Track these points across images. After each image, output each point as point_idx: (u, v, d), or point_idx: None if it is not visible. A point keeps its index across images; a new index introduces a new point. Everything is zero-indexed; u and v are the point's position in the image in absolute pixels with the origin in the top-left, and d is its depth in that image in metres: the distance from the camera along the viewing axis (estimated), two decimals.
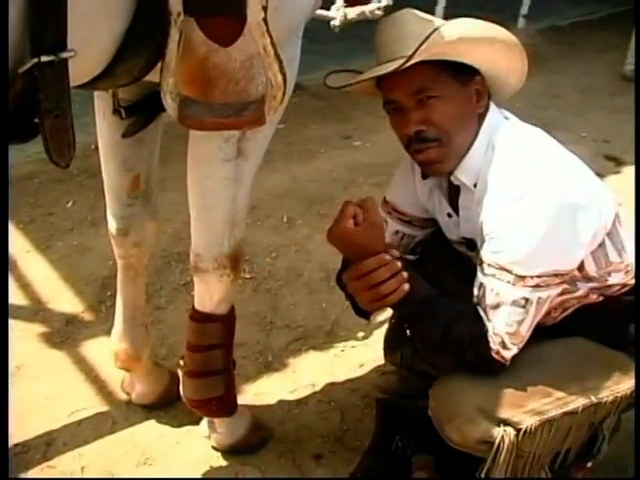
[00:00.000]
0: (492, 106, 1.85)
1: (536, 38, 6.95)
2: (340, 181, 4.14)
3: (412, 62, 1.66)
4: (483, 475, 1.82)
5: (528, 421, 1.79)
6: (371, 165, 4.13)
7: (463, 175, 1.83)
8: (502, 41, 1.77)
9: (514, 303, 1.72)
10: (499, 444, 1.77)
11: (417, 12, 1.81)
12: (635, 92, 3.94)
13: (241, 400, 2.38)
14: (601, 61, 6.41)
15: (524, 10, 7.02)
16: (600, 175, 4.15)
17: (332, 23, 3.41)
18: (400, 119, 1.81)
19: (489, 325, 1.76)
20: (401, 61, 1.67)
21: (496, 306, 1.74)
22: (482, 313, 1.77)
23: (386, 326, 2.53)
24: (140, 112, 1.96)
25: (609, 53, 6.52)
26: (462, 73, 1.78)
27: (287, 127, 4.26)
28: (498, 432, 1.77)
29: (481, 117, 1.82)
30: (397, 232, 2.12)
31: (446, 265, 2.10)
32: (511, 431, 1.78)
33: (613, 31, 6.91)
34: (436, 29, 1.67)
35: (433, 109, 1.76)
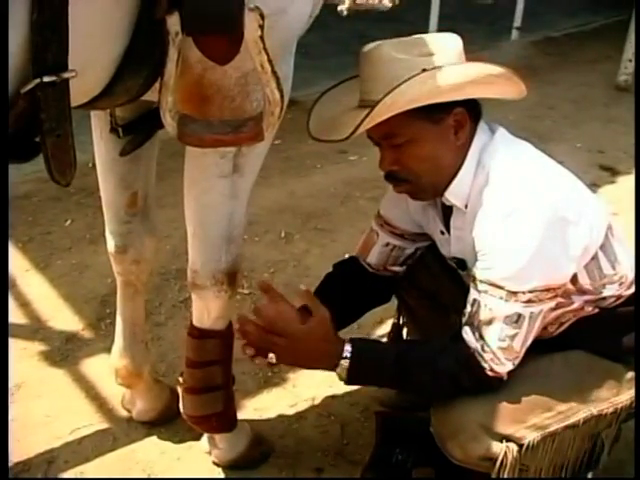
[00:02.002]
0: (480, 126, 1.82)
1: (529, 50, 6.99)
2: (337, 196, 4.16)
3: (363, 129, 1.67)
4: None
5: (530, 436, 1.79)
6: (367, 179, 4.14)
7: (453, 197, 1.83)
8: (475, 82, 1.71)
9: (507, 319, 1.72)
10: (502, 460, 1.77)
11: (396, 45, 1.74)
12: (635, 94, 3.96)
13: (241, 415, 2.38)
14: (595, 72, 6.43)
15: (517, 22, 7.08)
16: (595, 185, 4.23)
17: (339, 8, 3.40)
18: (380, 154, 1.83)
19: (476, 344, 1.76)
20: (349, 130, 1.67)
21: (489, 322, 1.74)
22: (474, 330, 1.76)
23: (384, 340, 2.54)
24: (137, 130, 1.97)
25: (602, 64, 6.55)
26: (437, 111, 1.72)
27: (283, 143, 4.28)
28: (501, 448, 1.77)
29: (466, 143, 1.79)
30: (387, 244, 2.13)
31: (441, 276, 2.11)
32: (513, 447, 1.78)
33: (606, 42, 6.93)
34: (390, 91, 1.64)
35: (403, 152, 1.77)
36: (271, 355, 1.84)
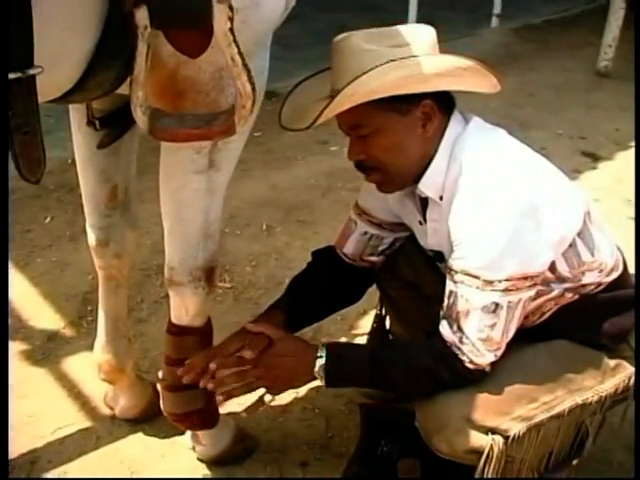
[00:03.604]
0: (454, 115, 1.81)
1: (510, 37, 7.00)
2: (318, 187, 4.15)
3: (321, 120, 1.66)
4: None
5: (516, 428, 1.78)
6: (349, 170, 4.04)
7: (426, 189, 1.82)
8: (441, 74, 1.69)
9: (484, 309, 1.72)
10: (488, 453, 1.77)
11: (366, 35, 1.73)
12: (635, 88, 3.97)
13: (224, 410, 2.37)
14: (575, 58, 6.45)
15: (497, 9, 7.09)
16: (577, 172, 4.24)
17: None
18: (349, 144, 1.83)
19: (453, 337, 1.76)
20: (309, 120, 1.67)
21: (466, 313, 1.73)
22: (452, 323, 1.76)
23: (368, 330, 2.53)
24: (114, 123, 1.96)
25: (583, 50, 6.57)
26: (404, 103, 1.72)
27: (263, 135, 4.27)
28: (487, 441, 1.76)
29: (437, 133, 1.78)
30: (365, 233, 2.12)
31: (423, 267, 2.10)
32: (499, 439, 1.77)
33: (586, 28, 6.96)
34: (352, 81, 1.63)
35: (369, 143, 1.77)
36: (267, 395, 1.98)
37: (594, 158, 4.63)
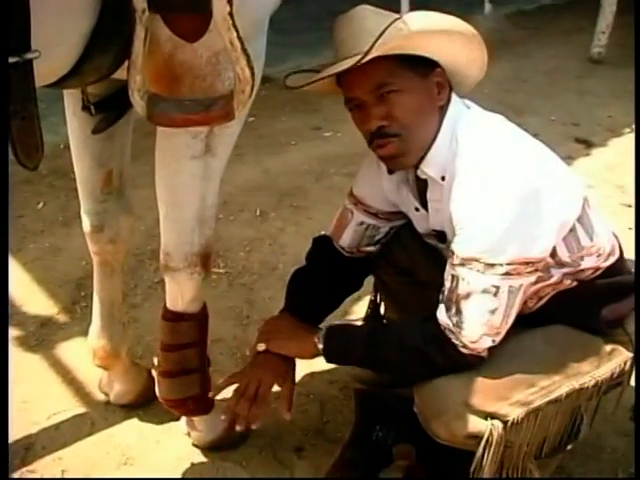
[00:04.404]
0: (454, 97, 1.83)
1: (503, 23, 6.98)
2: (311, 172, 4.14)
3: (369, 57, 1.65)
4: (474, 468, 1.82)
5: (514, 413, 1.79)
6: (342, 155, 4.12)
7: (429, 168, 1.82)
8: (459, 32, 1.74)
9: (485, 291, 1.72)
10: (487, 438, 1.77)
11: (373, 8, 1.77)
12: (635, 80, 3.97)
13: (219, 396, 2.37)
14: (568, 44, 6.43)
15: None
16: (570, 158, 4.24)
17: None
18: (362, 115, 1.80)
19: (448, 321, 1.76)
20: (358, 57, 1.66)
21: (467, 296, 1.73)
22: (451, 306, 1.76)
23: (362, 317, 2.53)
24: (110, 108, 1.96)
25: (575, 36, 6.55)
26: (421, 66, 1.76)
27: (256, 120, 4.25)
28: (486, 426, 1.77)
29: (443, 109, 1.81)
30: (362, 223, 2.12)
31: (418, 254, 2.10)
32: (498, 424, 1.77)
33: (579, 14, 6.94)
34: (391, 23, 1.66)
35: (393, 104, 1.75)
36: (261, 345, 2.05)
37: (587, 144, 4.63)
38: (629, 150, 4.20)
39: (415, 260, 2.13)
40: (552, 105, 5.17)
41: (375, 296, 2.42)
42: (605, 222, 1.95)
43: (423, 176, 1.86)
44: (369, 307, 2.46)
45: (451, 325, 1.76)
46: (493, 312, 1.74)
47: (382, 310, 2.41)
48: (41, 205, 3.65)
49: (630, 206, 3.76)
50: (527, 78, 5.63)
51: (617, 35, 5.97)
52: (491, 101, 1.89)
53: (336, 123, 4.54)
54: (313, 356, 1.98)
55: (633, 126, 4.73)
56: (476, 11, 7.12)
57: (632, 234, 2.59)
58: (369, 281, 2.34)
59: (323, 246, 2.21)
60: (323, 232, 2.26)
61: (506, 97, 5.01)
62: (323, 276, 2.17)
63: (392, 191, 2.02)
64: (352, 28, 1.75)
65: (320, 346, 1.93)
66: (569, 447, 1.98)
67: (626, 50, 5.76)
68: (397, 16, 1.74)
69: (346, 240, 2.15)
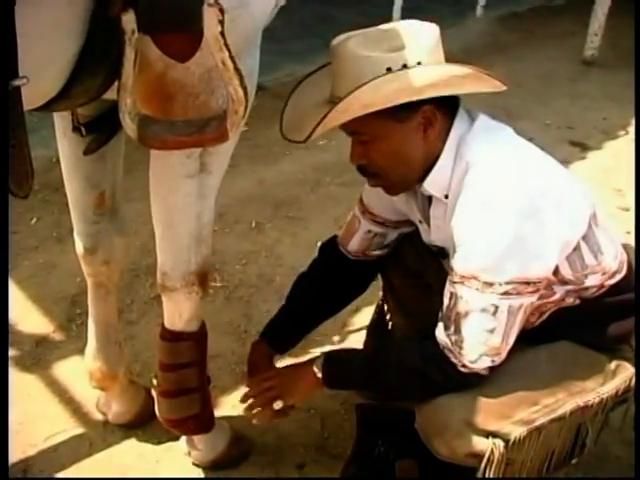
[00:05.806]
0: (459, 115, 1.78)
1: (495, 27, 6.97)
2: (307, 182, 4.12)
3: (315, 136, 1.67)
4: None
5: (517, 431, 1.77)
6: (337, 164, 4.10)
7: (431, 188, 1.81)
8: (436, 84, 1.66)
9: (483, 310, 1.70)
10: (489, 457, 1.75)
11: (365, 38, 1.71)
12: (635, 82, 3.97)
13: (219, 413, 2.35)
14: (561, 47, 6.42)
15: (482, 1, 7.04)
16: (566, 162, 4.22)
17: None
18: (351, 147, 1.82)
19: (446, 340, 1.75)
20: (306, 131, 1.67)
21: (465, 314, 1.72)
22: (450, 324, 1.74)
23: (363, 331, 2.52)
24: (101, 128, 1.92)
25: (568, 39, 6.54)
26: (403, 111, 1.69)
27: (250, 130, 4.20)
28: (487, 445, 1.76)
29: (441, 134, 1.76)
30: (369, 231, 2.14)
31: (427, 256, 2.08)
32: (500, 443, 1.76)
33: (572, 16, 6.93)
34: (345, 96, 1.63)
35: (369, 148, 1.77)
36: (277, 402, 2.02)
37: (583, 148, 4.62)
38: (625, 153, 4.20)
39: (425, 262, 2.12)
40: (546, 108, 5.17)
41: (383, 300, 2.42)
42: (614, 238, 1.92)
43: (426, 193, 1.85)
44: (375, 312, 2.47)
45: (450, 344, 1.74)
46: (492, 332, 1.71)
47: (388, 316, 2.40)
48: (34, 221, 3.61)
49: (628, 210, 3.75)
50: (521, 82, 5.60)
51: (610, 37, 5.97)
52: (485, 105, 1.88)
53: (330, 132, 4.47)
54: (319, 387, 1.97)
55: (628, 128, 4.73)
56: (468, 15, 7.11)
57: (630, 238, 2.58)
58: (368, 292, 2.33)
59: (329, 251, 2.25)
60: (333, 234, 2.30)
61: (500, 101, 4.95)
62: (326, 278, 2.22)
63: (402, 201, 2.02)
64: (337, 65, 1.72)
65: (319, 375, 1.91)
66: (574, 461, 1.96)
67: (619, 52, 5.77)
68: (381, 60, 1.66)
69: (354, 246, 2.18)
